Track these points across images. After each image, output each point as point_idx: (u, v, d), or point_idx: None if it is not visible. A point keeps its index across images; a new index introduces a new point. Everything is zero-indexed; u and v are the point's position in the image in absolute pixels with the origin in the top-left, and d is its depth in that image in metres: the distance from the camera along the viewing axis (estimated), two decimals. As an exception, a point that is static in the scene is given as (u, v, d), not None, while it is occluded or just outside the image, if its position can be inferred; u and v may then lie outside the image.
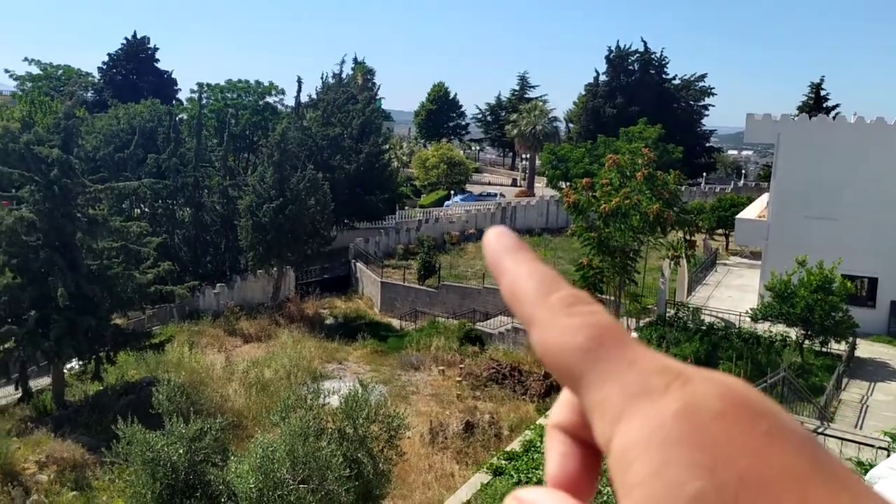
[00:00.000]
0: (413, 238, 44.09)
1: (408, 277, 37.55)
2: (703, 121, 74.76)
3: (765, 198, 34.98)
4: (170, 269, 26.65)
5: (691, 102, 73.31)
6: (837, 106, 64.01)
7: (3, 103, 59.41)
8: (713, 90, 74.11)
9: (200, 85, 62.96)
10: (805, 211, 28.31)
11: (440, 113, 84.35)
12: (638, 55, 71.80)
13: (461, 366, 27.47)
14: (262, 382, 24.60)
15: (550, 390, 24.28)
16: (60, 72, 71.09)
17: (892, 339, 27.10)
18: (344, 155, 45.65)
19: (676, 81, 73.20)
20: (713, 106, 75.29)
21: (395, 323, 35.34)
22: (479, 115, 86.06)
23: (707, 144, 75.11)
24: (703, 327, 25.95)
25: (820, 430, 17.75)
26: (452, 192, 59.20)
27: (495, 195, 58.98)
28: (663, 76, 72.64)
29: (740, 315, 26.17)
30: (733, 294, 31.72)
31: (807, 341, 23.66)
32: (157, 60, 78.52)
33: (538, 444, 18.27)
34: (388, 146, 54.37)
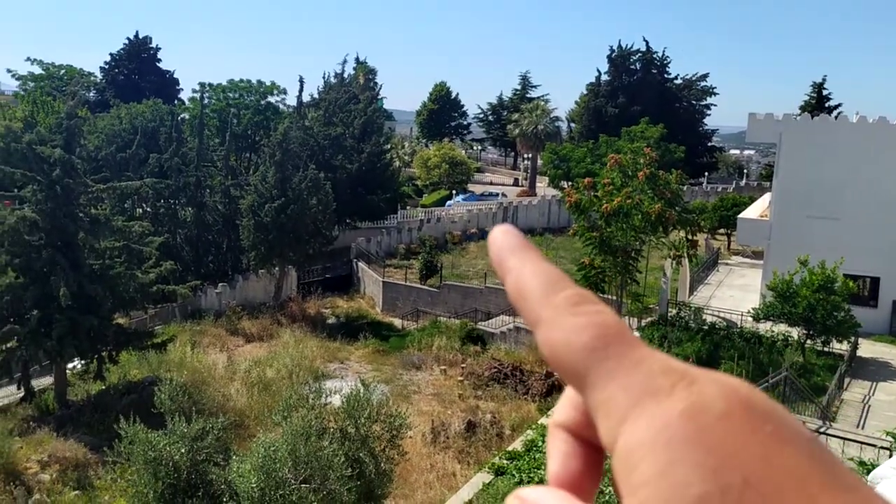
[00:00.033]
0: (415, 238, 44.10)
1: (409, 277, 37.55)
2: (705, 120, 74.80)
3: (767, 197, 34.97)
4: (172, 268, 26.65)
5: (693, 102, 73.29)
6: (840, 105, 63.97)
7: (5, 103, 59.46)
8: (715, 90, 74.14)
9: (202, 85, 63.02)
10: (807, 210, 28.29)
11: (442, 112, 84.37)
12: (640, 55, 71.80)
13: (463, 365, 27.47)
14: (264, 382, 24.61)
15: (552, 390, 24.28)
16: (63, 72, 71.16)
17: (894, 339, 27.08)
18: (346, 154, 45.66)
19: (678, 81, 73.20)
20: (715, 105, 75.38)
21: (397, 322, 35.34)
22: (481, 115, 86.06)
23: (709, 144, 75.14)
24: (705, 327, 25.94)
25: (822, 430, 17.73)
26: (454, 191, 59.20)
27: (497, 195, 58.97)
28: (665, 76, 72.64)
29: (742, 315, 26.15)
30: (735, 294, 31.71)
31: (809, 341, 23.65)
32: (160, 60, 78.67)
33: (540, 443, 18.28)
34: (389, 146, 54.38)
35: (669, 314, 27.17)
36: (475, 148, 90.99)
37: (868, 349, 25.46)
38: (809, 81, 77.87)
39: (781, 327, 24.26)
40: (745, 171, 75.63)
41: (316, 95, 57.04)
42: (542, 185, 63.35)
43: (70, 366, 24.85)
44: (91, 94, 73.00)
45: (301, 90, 48.75)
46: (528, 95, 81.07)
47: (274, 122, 56.86)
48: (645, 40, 73.41)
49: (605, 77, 71.80)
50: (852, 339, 23.80)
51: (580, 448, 0.50)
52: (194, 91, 64.46)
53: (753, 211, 34.05)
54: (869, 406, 21.07)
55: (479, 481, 17.00)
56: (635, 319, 27.48)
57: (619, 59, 71.32)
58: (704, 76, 73.96)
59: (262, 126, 61.35)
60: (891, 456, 15.74)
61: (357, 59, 71.24)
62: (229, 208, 38.39)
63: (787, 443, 0.40)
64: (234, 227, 37.07)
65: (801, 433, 0.42)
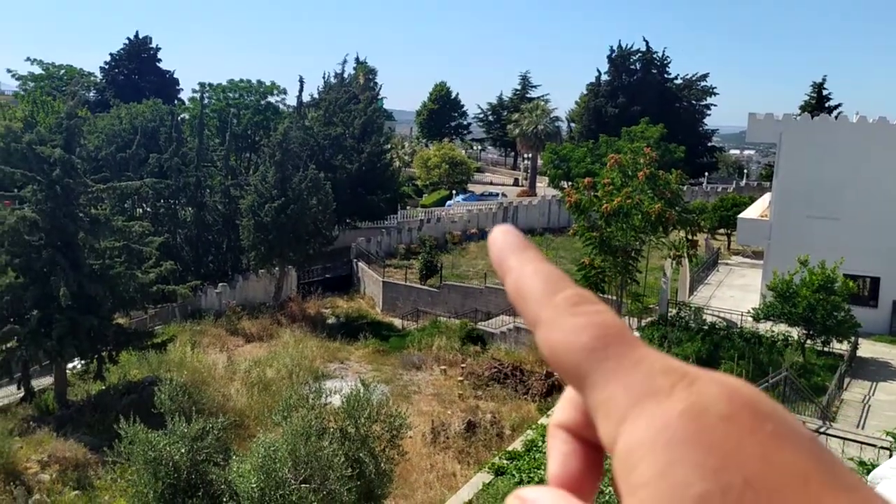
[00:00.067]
0: (415, 238, 44.09)
1: (409, 277, 37.55)
2: (705, 120, 74.81)
3: (767, 197, 34.97)
4: (172, 268, 26.65)
5: (693, 102, 73.30)
6: (839, 105, 63.97)
7: (5, 103, 59.45)
8: (715, 90, 74.14)
9: (202, 85, 62.97)
10: (807, 210, 28.29)
11: (442, 112, 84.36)
12: (640, 55, 71.81)
13: (463, 365, 27.47)
14: (264, 382, 24.61)
15: (552, 390, 24.28)
16: (63, 72, 71.13)
17: (894, 339, 27.08)
18: (346, 154, 45.66)
19: (678, 81, 73.20)
20: (715, 105, 75.38)
21: (397, 322, 35.34)
22: (481, 115, 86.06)
23: (709, 144, 75.15)
24: (705, 327, 25.94)
25: (822, 430, 17.73)
26: (454, 191, 59.20)
27: (497, 195, 58.96)
28: (665, 76, 72.64)
29: (742, 315, 26.16)
30: (735, 294, 31.71)
31: (809, 341, 23.65)
32: (159, 60, 78.64)
33: (540, 443, 18.27)
34: (389, 146, 54.37)
35: (669, 314, 27.17)
36: (475, 148, 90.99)
37: (868, 349, 25.46)
38: (809, 81, 77.94)
39: (781, 327, 24.26)
40: (745, 171, 75.62)
41: (316, 95, 57.06)
42: (542, 185, 63.35)
43: (70, 366, 24.85)
44: (91, 94, 72.98)
45: (301, 90, 48.79)
46: (528, 95, 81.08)
47: (274, 122, 56.85)
48: (645, 40, 73.51)
49: (605, 77, 71.81)
50: (852, 339, 23.80)
51: (580, 448, 0.50)
52: (194, 91, 64.48)
53: (753, 211, 34.05)
54: (869, 406, 21.06)
55: (479, 481, 17.00)
56: (635, 319, 27.48)
57: (619, 59, 71.32)
58: (704, 76, 73.99)
59: (262, 126, 61.34)
60: (891, 456, 15.74)
61: (357, 59, 71.27)
62: (229, 208, 38.39)
63: (788, 443, 0.40)
64: (234, 227, 37.06)
65: (802, 433, 0.42)
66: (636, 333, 24.04)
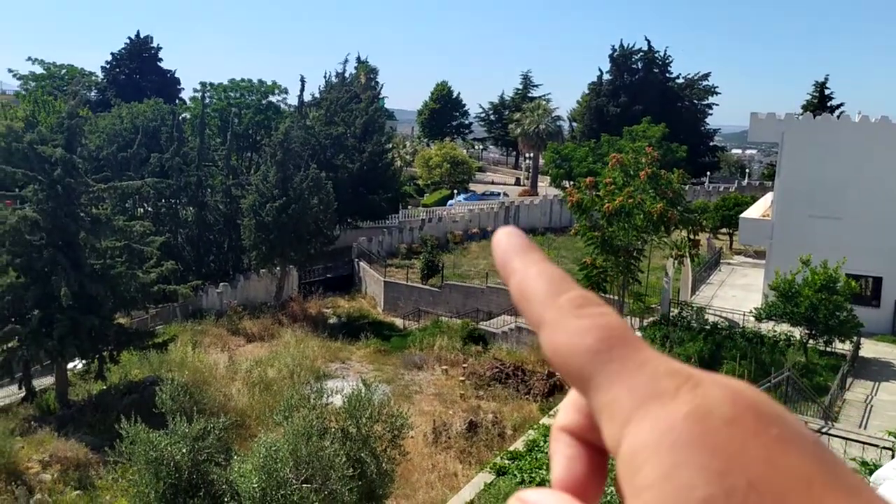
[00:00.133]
0: (416, 237, 44.07)
1: (411, 277, 37.53)
2: (707, 120, 74.78)
3: (769, 197, 34.92)
4: (173, 268, 26.63)
5: (695, 101, 73.26)
6: (842, 105, 63.88)
7: (6, 103, 59.47)
8: (717, 89, 74.09)
9: (203, 84, 62.98)
10: (809, 210, 28.24)
11: (443, 112, 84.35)
12: (641, 54, 71.79)
13: (464, 365, 27.44)
14: (266, 382, 24.59)
15: (554, 390, 24.24)
16: (64, 71, 71.18)
17: (897, 339, 27.02)
18: (347, 154, 45.65)
19: (680, 80, 73.17)
20: (717, 105, 75.36)
21: (399, 322, 35.32)
22: (483, 114, 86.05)
23: (711, 143, 75.09)
24: (707, 327, 25.90)
25: (824, 430, 17.69)
26: (455, 191, 59.17)
27: (498, 194, 58.93)
28: (667, 75, 72.62)
29: (744, 314, 26.12)
30: (737, 293, 31.67)
31: (811, 341, 23.61)
32: (161, 60, 78.65)
33: (541, 443, 18.25)
34: (391, 145, 54.36)
35: (671, 314, 27.14)
36: (477, 147, 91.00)
37: (870, 349, 25.41)
38: (811, 81, 77.88)
39: (784, 327, 24.22)
40: (746, 170, 75.57)
41: (317, 95, 57.00)
42: (544, 185, 63.35)
43: (71, 366, 24.85)
44: (92, 93, 73.02)
45: (302, 89, 48.80)
46: (529, 95, 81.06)
47: (275, 122, 56.85)
48: (647, 40, 73.44)
49: (606, 76, 71.78)
50: (855, 339, 23.76)
51: (584, 451, 0.50)
52: (195, 90, 64.46)
53: (755, 210, 34.00)
54: (871, 406, 21.02)
55: (480, 481, 16.97)
56: (637, 319, 27.45)
57: (621, 59, 71.29)
58: (706, 75, 73.95)
59: (263, 125, 61.34)
60: (893, 456, 15.70)
61: (358, 59, 71.33)
62: (230, 208, 38.38)
63: (792, 446, 0.40)
64: (236, 226, 37.05)
65: (805, 436, 0.41)
66: (638, 333, 24.01)
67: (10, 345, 22.85)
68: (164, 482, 12.29)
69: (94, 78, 75.42)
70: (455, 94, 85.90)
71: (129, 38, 77.02)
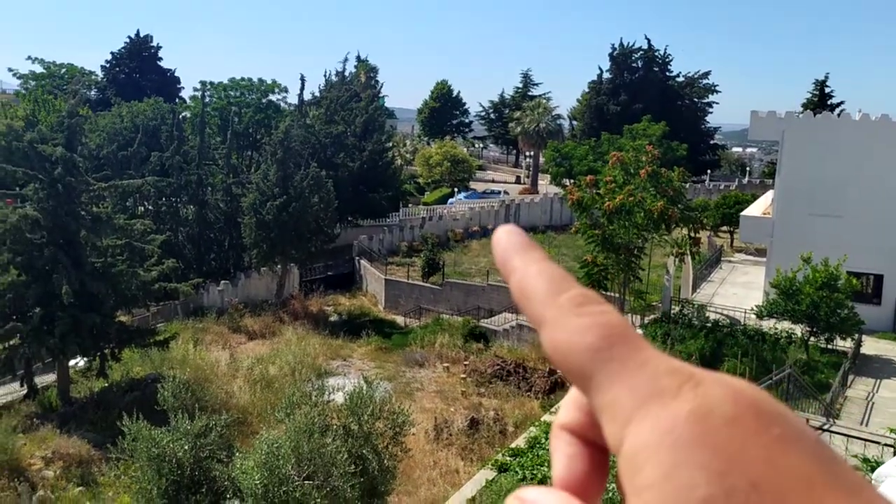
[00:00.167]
0: (417, 235, 44.10)
1: (412, 275, 37.55)
2: (707, 118, 74.78)
3: (769, 195, 34.93)
4: (174, 266, 26.66)
5: (695, 100, 73.28)
6: (842, 103, 63.94)
7: (6, 102, 59.50)
8: (717, 87, 74.10)
9: (203, 83, 62.98)
10: (810, 208, 28.24)
11: (444, 110, 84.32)
12: (641, 52, 71.80)
13: (466, 363, 27.46)
14: (267, 379, 24.61)
15: (555, 387, 24.26)
16: (64, 70, 71.16)
17: (898, 336, 27.03)
18: (347, 152, 45.66)
19: (680, 79, 73.16)
20: (717, 103, 75.36)
21: (400, 320, 35.34)
22: (483, 113, 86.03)
23: (711, 141, 75.10)
24: (708, 324, 25.89)
25: (826, 428, 17.70)
26: (456, 189, 59.16)
27: (499, 193, 58.92)
28: (667, 73, 72.63)
29: (745, 312, 26.12)
30: (738, 291, 31.66)
31: (812, 338, 23.61)
32: (160, 59, 78.65)
33: (543, 440, 18.26)
34: (391, 144, 54.38)
35: (672, 312, 27.13)
36: (477, 146, 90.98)
37: (872, 346, 25.42)
38: (811, 79, 77.91)
39: (785, 325, 24.23)
40: (747, 168, 75.58)
41: (317, 93, 57.02)
42: (544, 183, 63.35)
43: (73, 363, 24.87)
44: (92, 92, 72.99)
45: (302, 88, 48.90)
46: (529, 93, 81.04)
47: (275, 121, 56.85)
48: (647, 38, 73.43)
49: (606, 75, 71.78)
50: (856, 336, 23.76)
51: (585, 450, 0.50)
52: (195, 89, 64.48)
53: (756, 208, 34.00)
54: (872, 403, 21.02)
55: (482, 478, 16.99)
56: (638, 317, 27.46)
57: (621, 57, 71.29)
58: (706, 74, 73.97)
59: (263, 124, 61.33)
60: (895, 453, 15.72)
61: (358, 57, 71.31)
62: (231, 206, 38.40)
63: (793, 445, 0.40)
64: (236, 224, 37.08)
65: (807, 435, 0.41)
66: (639, 331, 24.01)
67: (11, 342, 22.88)
68: (166, 479, 12.32)
69: (94, 77, 75.43)
70: (455, 93, 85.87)
71: (129, 37, 77.03)
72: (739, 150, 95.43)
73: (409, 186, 60.22)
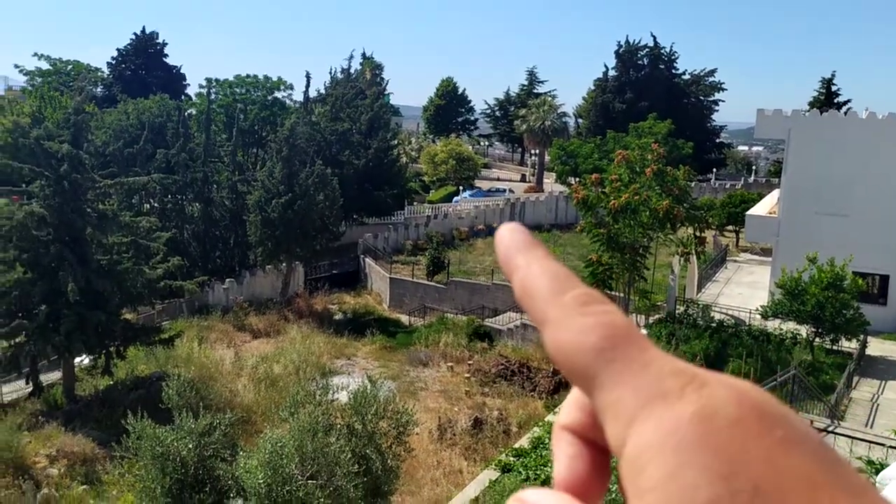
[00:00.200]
0: (422, 234, 44.08)
1: (416, 273, 37.54)
2: (713, 116, 74.52)
3: (775, 194, 34.80)
4: (179, 264, 26.68)
5: (701, 98, 73.03)
6: (849, 101, 63.64)
7: (13, 98, 59.65)
8: (723, 85, 73.83)
9: (209, 80, 63.00)
10: (816, 207, 28.13)
11: (449, 108, 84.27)
12: (647, 50, 71.59)
13: (470, 362, 27.45)
14: (271, 378, 24.64)
15: (559, 387, 24.23)
16: (70, 67, 71.31)
17: (904, 337, 26.92)
18: (353, 150, 45.66)
19: (686, 77, 72.92)
20: (723, 101, 75.10)
21: (404, 319, 35.35)
22: (488, 111, 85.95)
23: (717, 140, 74.85)
24: (713, 324, 25.83)
25: (830, 429, 17.64)
26: (461, 187, 59.14)
27: (504, 191, 58.89)
28: (673, 71, 72.40)
29: (750, 312, 26.04)
30: (743, 291, 31.57)
31: (817, 339, 23.53)
32: (166, 56, 78.74)
33: (547, 440, 18.24)
34: (396, 141, 54.35)
35: (677, 311, 27.08)
36: (482, 144, 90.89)
37: (877, 347, 25.32)
38: (818, 78, 77.57)
39: (790, 325, 24.15)
40: (753, 167, 75.33)
41: (322, 91, 57.04)
42: (550, 181, 63.26)
43: (78, 361, 24.93)
44: (98, 89, 73.15)
45: (308, 86, 48.73)
46: (535, 91, 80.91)
47: (281, 118, 56.88)
48: (652, 36, 73.15)
49: (612, 72, 71.63)
50: (861, 337, 23.66)
51: (587, 451, 0.49)
52: (201, 86, 64.58)
53: (762, 208, 33.89)
54: (878, 405, 20.95)
55: (485, 478, 16.98)
56: (643, 316, 27.41)
57: (627, 55, 71.11)
58: (712, 72, 73.68)
59: (268, 122, 61.39)
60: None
61: (364, 55, 71.29)
62: (236, 204, 38.44)
63: (797, 448, 0.40)
64: (241, 222, 37.12)
65: (811, 438, 0.41)
66: (644, 331, 23.97)
67: (17, 340, 22.94)
68: (170, 477, 12.33)
69: (100, 74, 75.57)
70: (461, 91, 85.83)
71: (135, 33, 77.17)
72: (745, 148, 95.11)
73: (415, 184, 60.22)
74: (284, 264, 36.59)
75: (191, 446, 12.52)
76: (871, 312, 24.41)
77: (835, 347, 23.68)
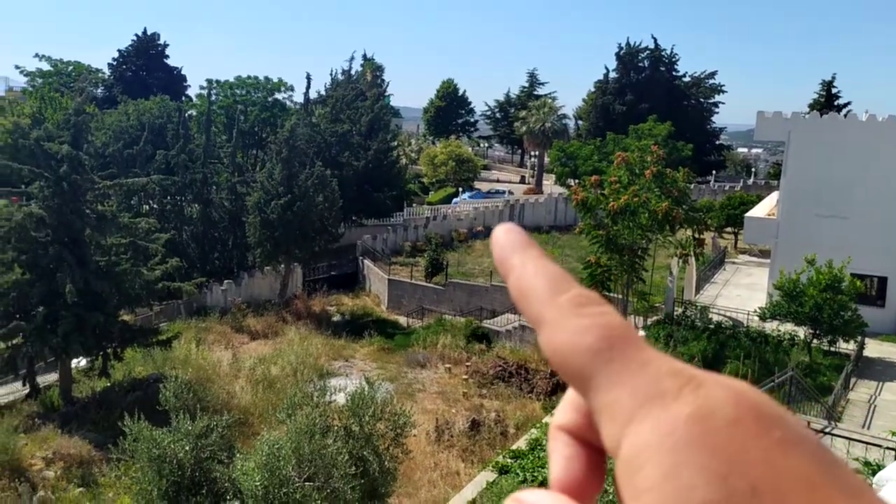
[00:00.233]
0: (421, 235, 44.09)
1: (415, 275, 37.54)
2: (713, 118, 74.48)
3: (774, 196, 34.81)
4: (178, 265, 26.70)
5: (701, 100, 73.02)
6: (849, 104, 63.68)
7: (13, 99, 59.69)
8: (723, 87, 73.82)
9: (210, 81, 63.01)
10: (815, 209, 28.14)
11: (449, 110, 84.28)
12: (648, 52, 71.58)
13: (468, 364, 27.44)
14: (269, 379, 24.63)
15: (557, 388, 24.23)
16: (70, 68, 71.32)
17: (902, 339, 26.92)
18: (352, 152, 45.68)
19: (686, 79, 72.92)
20: (723, 103, 75.08)
21: (402, 320, 35.34)
22: (488, 112, 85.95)
23: (717, 142, 74.82)
24: (711, 326, 25.84)
25: (827, 430, 17.63)
26: (461, 189, 59.15)
27: (504, 192, 58.90)
28: (673, 73, 72.39)
29: (748, 314, 26.04)
30: (742, 293, 31.57)
31: (815, 340, 23.53)
32: (167, 57, 78.70)
33: (544, 442, 18.22)
34: (396, 143, 54.37)
35: (676, 313, 27.08)
36: (482, 145, 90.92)
37: (875, 349, 25.31)
38: (817, 80, 77.65)
39: (788, 327, 24.15)
40: (752, 169, 75.35)
41: (323, 92, 57.07)
42: (549, 183, 63.27)
43: (75, 363, 24.92)
44: (99, 90, 73.14)
45: (308, 87, 48.78)
46: (535, 93, 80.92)
47: (281, 119, 56.94)
48: (653, 38, 73.02)
49: (612, 74, 71.62)
50: (859, 338, 23.66)
51: (582, 451, 0.49)
52: (201, 88, 64.65)
53: (761, 209, 33.89)
54: (875, 406, 20.94)
55: (482, 480, 16.97)
56: (641, 318, 27.41)
57: (628, 57, 71.11)
58: (712, 74, 73.69)
59: (268, 123, 61.43)
60: (897, 457, 15.65)
61: (364, 56, 71.34)
62: (235, 205, 38.45)
63: (794, 448, 0.40)
64: (240, 223, 37.13)
65: (808, 438, 0.41)
66: (642, 332, 23.97)
67: (14, 341, 22.93)
68: (166, 480, 12.33)
69: (100, 75, 75.56)
70: (461, 92, 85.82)
71: (136, 34, 77.09)
72: (745, 150, 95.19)
73: (414, 186, 60.23)
74: (283, 266, 36.59)
75: (188, 448, 12.51)
76: (869, 314, 24.43)
77: (832, 349, 23.69)
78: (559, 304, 0.47)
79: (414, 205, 54.32)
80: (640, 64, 71.47)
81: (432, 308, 34.87)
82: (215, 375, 24.66)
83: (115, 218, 24.93)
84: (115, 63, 76.20)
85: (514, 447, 18.74)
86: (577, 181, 43.93)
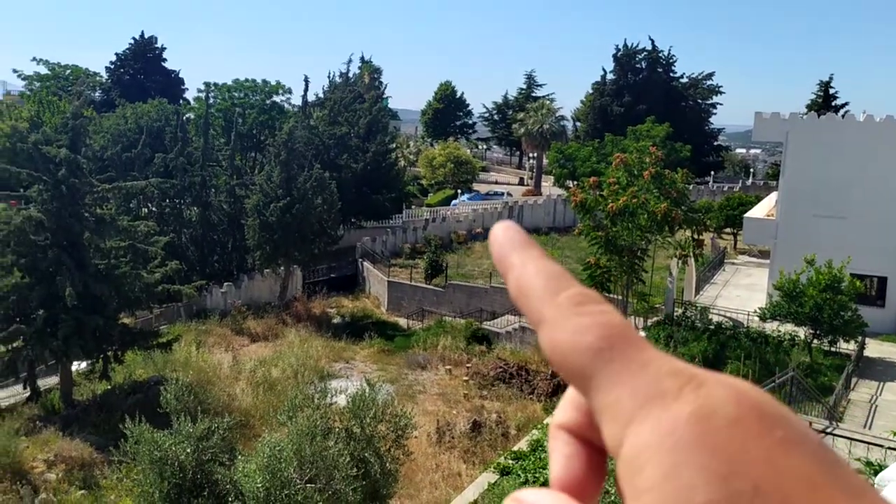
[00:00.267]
0: (420, 237, 44.09)
1: (415, 276, 37.54)
2: (711, 119, 74.54)
3: (773, 196, 34.84)
4: (177, 268, 26.69)
5: (699, 101, 73.08)
6: (846, 104, 63.73)
7: (11, 103, 59.63)
8: (721, 88, 73.89)
9: (207, 84, 62.98)
10: (814, 210, 28.17)
11: (447, 112, 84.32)
12: (645, 53, 71.65)
13: (468, 365, 27.44)
14: (270, 381, 24.61)
15: (558, 389, 24.22)
16: (68, 71, 71.32)
17: (902, 339, 26.94)
18: (351, 154, 45.68)
19: (684, 80, 72.99)
20: (721, 104, 75.14)
21: (402, 322, 35.33)
22: (486, 114, 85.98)
23: (715, 143, 74.87)
24: (711, 326, 25.85)
25: (829, 430, 17.64)
26: (459, 190, 59.16)
27: (502, 194, 58.92)
28: (671, 74, 72.45)
29: (748, 314, 26.05)
30: (741, 293, 31.59)
31: (815, 341, 23.55)
32: (165, 60, 78.68)
33: (545, 443, 18.12)
34: (394, 145, 54.38)
35: (675, 314, 27.09)
36: (480, 147, 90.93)
37: (875, 349, 25.33)
38: (815, 80, 77.75)
39: (788, 327, 24.16)
40: (751, 170, 75.39)
41: (321, 95, 57.08)
42: (548, 185, 63.28)
43: (75, 365, 24.89)
44: (96, 93, 73.11)
45: (306, 89, 48.84)
46: (533, 94, 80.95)
47: (279, 122, 56.93)
48: (650, 39, 73.16)
49: (610, 76, 71.67)
50: (859, 338, 23.68)
51: (583, 450, 0.49)
52: (199, 91, 64.52)
53: (760, 210, 33.92)
54: (876, 406, 20.95)
55: (484, 481, 16.96)
56: (641, 319, 27.41)
57: (625, 58, 71.17)
58: (710, 75, 73.76)
59: (267, 126, 61.39)
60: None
61: (362, 59, 71.38)
62: (234, 208, 38.44)
63: (796, 448, 0.40)
64: (240, 226, 37.11)
65: (810, 438, 0.41)
66: (642, 333, 23.97)
67: (14, 345, 22.92)
68: (168, 482, 12.32)
69: (98, 78, 75.52)
70: (459, 94, 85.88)
71: (134, 38, 77.09)
72: (743, 151, 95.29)
73: (413, 188, 60.22)
74: (282, 268, 36.58)
75: (189, 450, 12.50)
76: (869, 314, 24.45)
77: (833, 349, 23.71)
78: (559, 303, 0.47)
79: (413, 207, 54.31)
80: (638, 65, 71.53)
81: (432, 310, 34.86)
82: (216, 378, 24.64)
83: (113, 221, 24.93)
84: (112, 66, 76.18)
85: (515, 448, 18.74)
86: (575, 182, 43.91)
